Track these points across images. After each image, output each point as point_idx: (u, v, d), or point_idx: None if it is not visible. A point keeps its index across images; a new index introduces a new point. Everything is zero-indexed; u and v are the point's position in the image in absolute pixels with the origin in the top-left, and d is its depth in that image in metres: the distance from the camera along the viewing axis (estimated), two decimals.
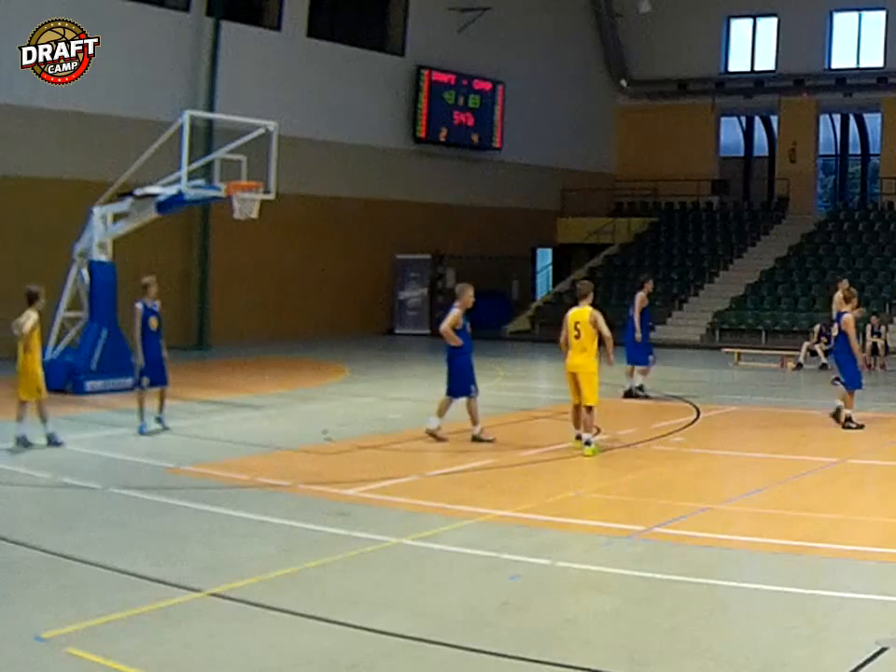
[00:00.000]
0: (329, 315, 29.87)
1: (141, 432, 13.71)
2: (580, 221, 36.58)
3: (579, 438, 12.75)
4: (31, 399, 12.72)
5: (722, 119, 39.34)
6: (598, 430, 13.31)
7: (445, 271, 33.18)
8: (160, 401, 14.13)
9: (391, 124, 32.14)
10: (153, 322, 13.95)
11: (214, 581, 7.46)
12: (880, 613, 6.93)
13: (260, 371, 22.26)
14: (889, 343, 23.90)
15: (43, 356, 17.92)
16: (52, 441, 12.74)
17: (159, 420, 14.06)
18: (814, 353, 23.37)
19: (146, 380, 13.89)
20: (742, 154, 40.71)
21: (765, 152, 40.01)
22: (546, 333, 32.04)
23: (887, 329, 24.56)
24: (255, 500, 10.17)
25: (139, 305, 13.91)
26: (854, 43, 36.07)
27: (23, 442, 12.62)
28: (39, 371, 12.84)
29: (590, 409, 12.55)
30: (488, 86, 34.54)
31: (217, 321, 26.78)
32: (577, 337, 12.68)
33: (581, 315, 12.74)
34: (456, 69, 33.40)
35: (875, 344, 23.00)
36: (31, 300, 12.79)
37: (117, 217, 18.13)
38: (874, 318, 23.81)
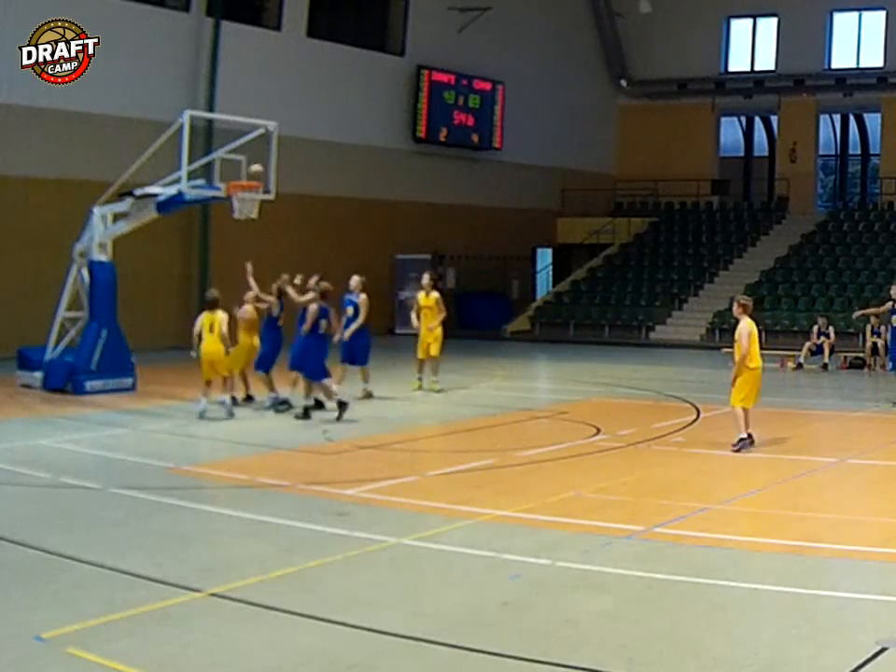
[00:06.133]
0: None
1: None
2: (580, 221, 36.58)
3: None
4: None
5: (722, 118, 39.34)
6: None
7: (445, 271, 33.18)
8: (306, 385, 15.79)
9: (391, 124, 32.13)
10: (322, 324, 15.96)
11: (214, 581, 7.46)
12: (880, 613, 6.93)
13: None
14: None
15: (43, 355, 18.17)
16: (228, 414, 15.04)
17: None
18: (814, 352, 23.37)
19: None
20: (742, 154, 40.70)
21: (765, 152, 39.99)
22: (546, 333, 32.10)
23: (887, 329, 24.47)
24: (255, 500, 10.16)
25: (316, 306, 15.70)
26: (854, 43, 36.07)
27: (227, 411, 15.07)
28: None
29: None
30: (488, 86, 34.54)
31: None
32: None
33: None
34: (456, 69, 33.40)
35: (874, 344, 22.99)
36: (212, 305, 15.26)
37: (117, 217, 18.11)
38: (873, 318, 23.78)
